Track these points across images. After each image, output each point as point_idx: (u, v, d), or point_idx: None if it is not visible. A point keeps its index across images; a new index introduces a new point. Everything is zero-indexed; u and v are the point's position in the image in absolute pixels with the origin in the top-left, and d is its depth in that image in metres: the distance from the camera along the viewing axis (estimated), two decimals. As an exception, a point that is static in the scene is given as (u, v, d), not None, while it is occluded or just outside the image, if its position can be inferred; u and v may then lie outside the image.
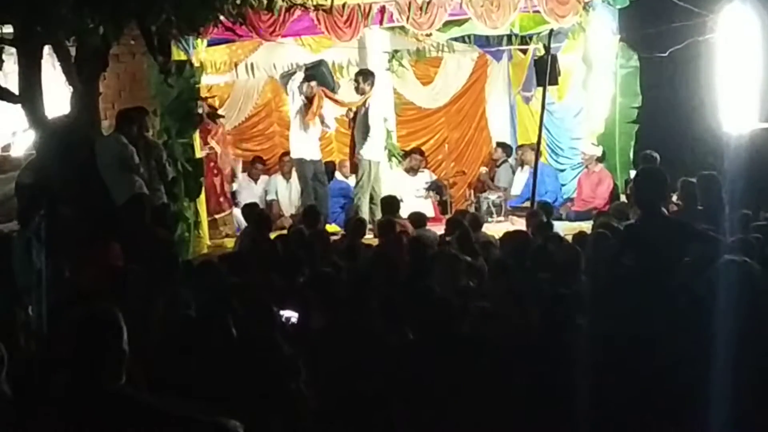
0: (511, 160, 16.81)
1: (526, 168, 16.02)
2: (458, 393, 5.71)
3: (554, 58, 14.45)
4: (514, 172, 16.54)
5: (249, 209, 12.88)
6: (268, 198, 16.07)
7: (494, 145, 17.35)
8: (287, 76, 15.10)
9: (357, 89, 14.64)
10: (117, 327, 3.70)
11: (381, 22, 14.16)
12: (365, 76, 14.58)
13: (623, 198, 14.15)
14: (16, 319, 8.94)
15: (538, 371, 5.85)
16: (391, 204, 12.50)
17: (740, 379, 5.59)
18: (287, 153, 16.20)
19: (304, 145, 14.70)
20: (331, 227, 13.76)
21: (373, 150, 14.59)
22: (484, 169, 16.96)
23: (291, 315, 7.35)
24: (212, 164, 15.19)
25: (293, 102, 14.91)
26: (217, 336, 6.33)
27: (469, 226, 11.37)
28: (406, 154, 16.39)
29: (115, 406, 3.50)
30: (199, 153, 13.24)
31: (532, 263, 8.56)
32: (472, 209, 15.19)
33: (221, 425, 3.52)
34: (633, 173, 13.90)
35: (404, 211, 13.24)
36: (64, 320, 3.83)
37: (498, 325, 6.71)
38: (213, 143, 15.84)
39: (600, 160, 15.08)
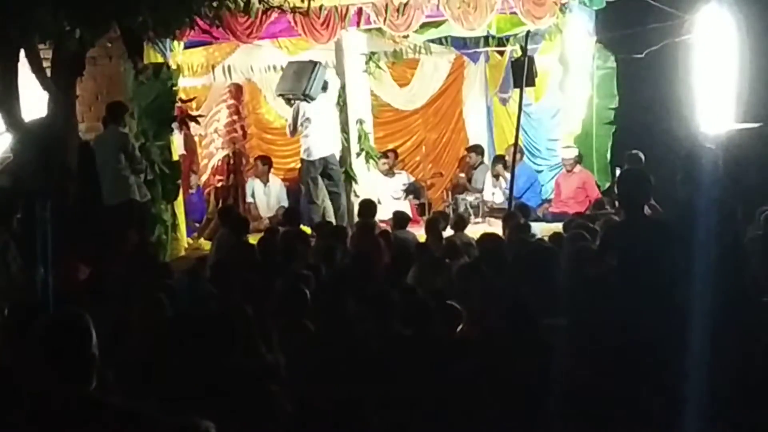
0: (487, 161, 16.81)
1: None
2: (434, 394, 5.73)
3: (531, 60, 14.48)
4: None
5: (226, 212, 12.84)
6: (246, 200, 16.04)
7: (465, 151, 17.27)
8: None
9: None
10: (85, 331, 3.66)
11: (358, 24, 14.13)
12: None
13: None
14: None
15: (512, 372, 5.86)
16: (369, 207, 12.48)
17: (720, 378, 5.62)
18: (263, 156, 16.20)
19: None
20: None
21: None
22: (462, 175, 16.94)
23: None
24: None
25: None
26: (195, 338, 6.33)
27: (453, 227, 11.51)
28: (383, 156, 16.38)
29: (84, 410, 3.48)
30: (176, 156, 13.20)
31: (505, 265, 8.54)
32: (449, 211, 15.19)
33: (193, 425, 3.50)
34: (618, 173, 13.94)
35: (382, 214, 13.26)
36: (35, 324, 3.78)
37: (472, 326, 6.73)
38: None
39: (578, 161, 15.11)
